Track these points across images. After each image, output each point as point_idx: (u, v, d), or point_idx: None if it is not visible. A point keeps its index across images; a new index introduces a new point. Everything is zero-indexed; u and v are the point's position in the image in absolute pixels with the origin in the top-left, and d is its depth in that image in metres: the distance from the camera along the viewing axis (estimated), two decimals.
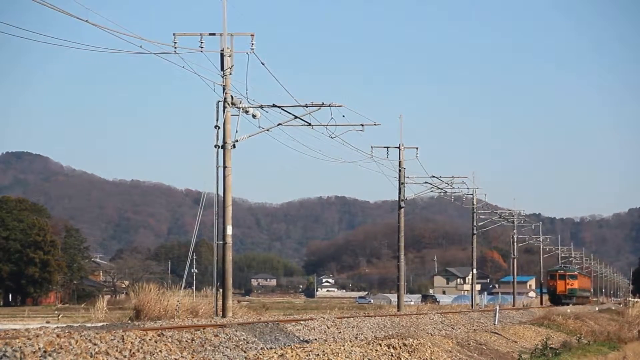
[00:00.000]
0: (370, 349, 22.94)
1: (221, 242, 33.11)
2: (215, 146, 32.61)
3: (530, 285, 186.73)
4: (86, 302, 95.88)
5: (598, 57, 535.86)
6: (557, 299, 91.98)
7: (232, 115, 33.05)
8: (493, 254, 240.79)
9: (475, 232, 74.07)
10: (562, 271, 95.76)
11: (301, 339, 26.49)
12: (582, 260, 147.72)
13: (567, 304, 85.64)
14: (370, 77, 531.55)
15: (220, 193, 32.98)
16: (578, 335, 44.25)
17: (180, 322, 27.41)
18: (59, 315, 62.55)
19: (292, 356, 20.43)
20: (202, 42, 32.01)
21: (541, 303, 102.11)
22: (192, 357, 19.07)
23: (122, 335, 18.30)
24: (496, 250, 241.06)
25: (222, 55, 32.57)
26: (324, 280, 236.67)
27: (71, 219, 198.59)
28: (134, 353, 17.47)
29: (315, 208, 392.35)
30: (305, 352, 21.01)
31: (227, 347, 21.80)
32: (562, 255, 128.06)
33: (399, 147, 53.59)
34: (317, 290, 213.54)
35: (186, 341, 20.82)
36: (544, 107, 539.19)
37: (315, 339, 26.97)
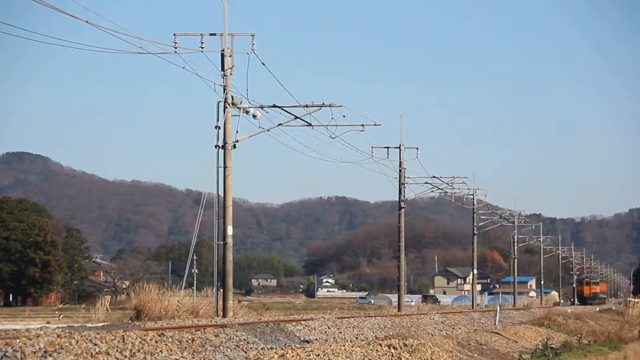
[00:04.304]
0: (371, 349, 22.94)
1: (222, 243, 33.10)
2: (216, 146, 32.60)
3: (530, 285, 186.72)
4: (87, 302, 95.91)
5: (598, 57, 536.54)
6: (584, 300, 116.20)
7: (232, 116, 33.05)
8: (494, 254, 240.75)
9: (475, 232, 74.04)
10: (587, 279, 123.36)
11: (302, 339, 26.50)
12: (582, 260, 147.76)
13: (592, 304, 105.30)
14: (370, 77, 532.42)
15: (221, 193, 32.98)
16: (578, 335, 44.24)
17: (181, 322, 27.41)
18: (60, 316, 62.53)
19: (292, 356, 20.44)
20: (202, 43, 32.01)
21: (541, 303, 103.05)
22: (193, 357, 19.07)
23: (123, 336, 18.31)
24: (497, 251, 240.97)
25: (222, 56, 32.57)
26: (324, 281, 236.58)
27: (72, 219, 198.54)
28: (134, 353, 17.48)
29: (315, 208, 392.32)
30: (305, 352, 21.02)
31: (227, 347, 21.81)
32: (563, 255, 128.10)
33: (399, 148, 53.59)
34: (317, 291, 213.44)
35: (187, 341, 20.82)
36: (544, 107, 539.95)
37: (316, 339, 26.98)
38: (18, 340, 15.98)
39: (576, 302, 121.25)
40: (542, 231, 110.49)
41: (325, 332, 29.28)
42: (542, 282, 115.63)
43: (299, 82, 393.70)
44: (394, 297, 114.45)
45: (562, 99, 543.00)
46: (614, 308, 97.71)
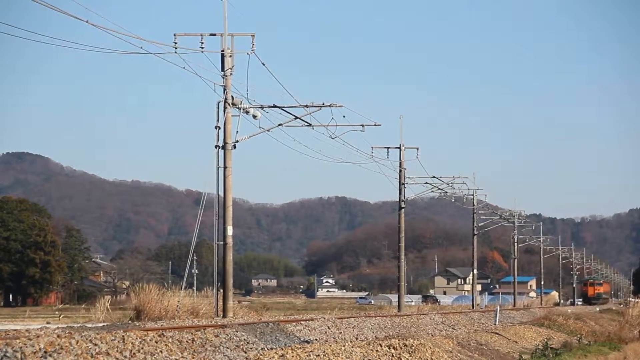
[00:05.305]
0: (371, 350, 22.94)
1: (222, 243, 33.09)
2: (216, 146, 32.59)
3: (530, 286, 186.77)
4: (87, 302, 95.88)
5: (598, 57, 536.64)
6: (588, 300, 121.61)
7: (232, 116, 33.04)
8: (494, 254, 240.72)
9: (475, 232, 74.02)
10: (591, 280, 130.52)
11: (302, 339, 26.50)
12: (582, 260, 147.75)
13: (595, 304, 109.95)
14: (370, 77, 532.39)
15: (221, 193, 32.97)
16: (579, 335, 44.26)
17: (181, 323, 27.41)
18: (60, 316, 62.50)
19: (292, 356, 20.43)
20: (202, 43, 32.00)
21: (541, 303, 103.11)
22: (193, 358, 19.07)
23: (123, 336, 18.31)
24: (497, 251, 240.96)
25: (222, 56, 32.55)
26: (324, 281, 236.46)
27: (72, 219, 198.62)
28: (134, 353, 17.48)
29: (315, 208, 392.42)
30: (305, 352, 21.02)
31: (227, 348, 21.80)
32: (563, 255, 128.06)
33: (399, 148, 53.59)
34: (317, 291, 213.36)
35: (187, 341, 20.82)
36: (544, 107, 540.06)
37: (316, 340, 26.97)
38: (18, 341, 15.98)
39: (576, 302, 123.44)
40: (542, 231, 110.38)
41: (325, 332, 29.28)
42: (542, 282, 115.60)
43: (299, 82, 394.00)
44: (394, 297, 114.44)
45: (562, 99, 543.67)
46: (614, 308, 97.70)
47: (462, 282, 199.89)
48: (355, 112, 39.33)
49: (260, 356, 20.50)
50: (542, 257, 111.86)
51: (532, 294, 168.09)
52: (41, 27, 25.37)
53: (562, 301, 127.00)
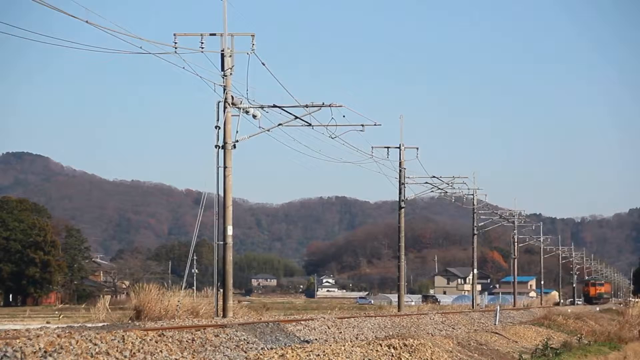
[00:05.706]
0: (371, 349, 22.94)
1: (221, 243, 33.09)
2: (216, 146, 32.59)
3: (530, 286, 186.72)
4: (87, 302, 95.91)
5: (598, 57, 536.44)
6: (589, 300, 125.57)
7: (232, 116, 33.04)
8: (494, 254, 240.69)
9: (475, 232, 74.00)
10: (593, 280, 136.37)
11: (302, 339, 26.50)
12: (582, 260, 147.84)
13: (597, 304, 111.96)
14: (370, 77, 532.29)
15: (221, 193, 32.96)
16: (579, 335, 44.24)
17: (181, 322, 27.40)
18: (60, 316, 62.49)
19: (292, 356, 20.43)
20: (202, 43, 31.99)
21: (541, 303, 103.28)
22: (193, 358, 19.07)
23: (123, 336, 18.31)
24: (497, 251, 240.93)
25: (222, 56, 32.55)
26: (324, 281, 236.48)
27: (72, 219, 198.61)
28: (134, 353, 17.48)
29: (315, 208, 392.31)
30: (305, 352, 21.01)
31: (227, 348, 21.80)
32: (563, 255, 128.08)
33: (399, 147, 53.60)
34: (317, 291, 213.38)
35: (187, 341, 20.82)
36: (544, 107, 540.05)
37: (316, 339, 26.97)
38: (18, 340, 15.98)
39: (576, 301, 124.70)
40: (542, 231, 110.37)
41: (325, 332, 29.28)
42: (542, 282, 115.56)
43: (299, 82, 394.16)
44: (394, 297, 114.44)
45: (562, 99, 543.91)
46: (614, 308, 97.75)
47: (462, 282, 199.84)
48: (355, 112, 39.38)
49: (260, 356, 20.50)
50: (542, 257, 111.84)
51: (532, 293, 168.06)
52: (41, 27, 25.38)
53: (562, 301, 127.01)
